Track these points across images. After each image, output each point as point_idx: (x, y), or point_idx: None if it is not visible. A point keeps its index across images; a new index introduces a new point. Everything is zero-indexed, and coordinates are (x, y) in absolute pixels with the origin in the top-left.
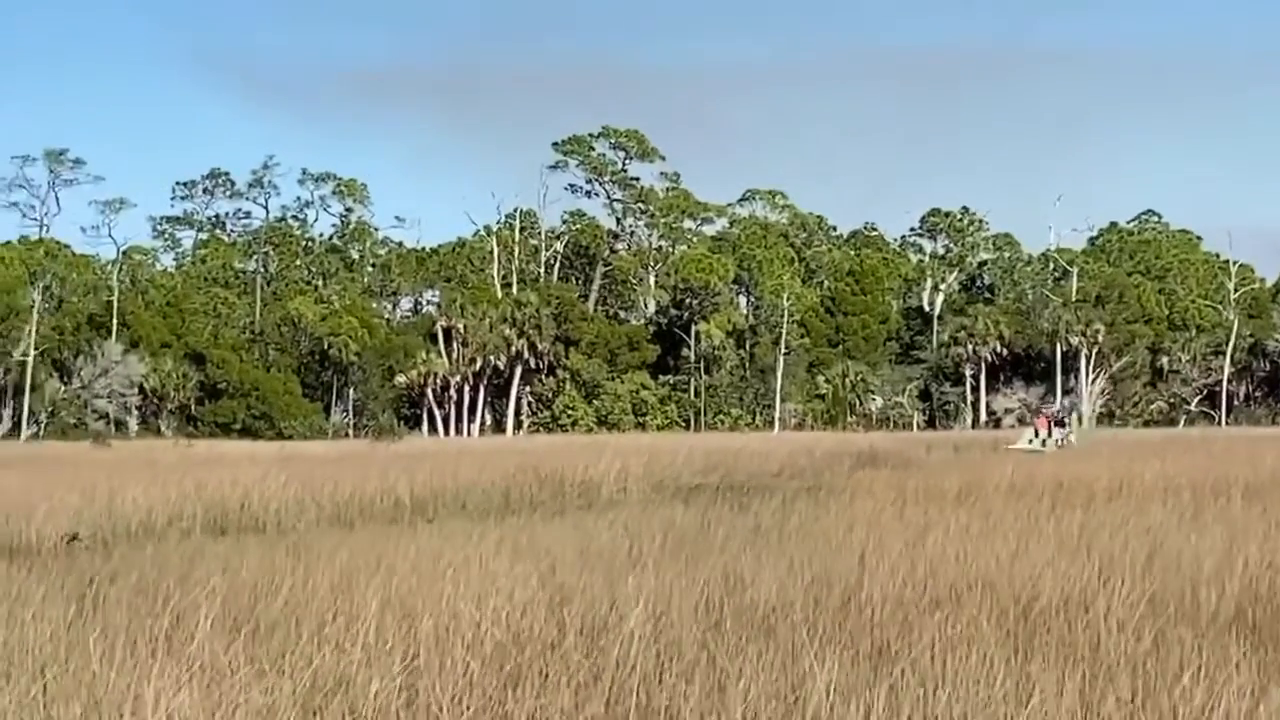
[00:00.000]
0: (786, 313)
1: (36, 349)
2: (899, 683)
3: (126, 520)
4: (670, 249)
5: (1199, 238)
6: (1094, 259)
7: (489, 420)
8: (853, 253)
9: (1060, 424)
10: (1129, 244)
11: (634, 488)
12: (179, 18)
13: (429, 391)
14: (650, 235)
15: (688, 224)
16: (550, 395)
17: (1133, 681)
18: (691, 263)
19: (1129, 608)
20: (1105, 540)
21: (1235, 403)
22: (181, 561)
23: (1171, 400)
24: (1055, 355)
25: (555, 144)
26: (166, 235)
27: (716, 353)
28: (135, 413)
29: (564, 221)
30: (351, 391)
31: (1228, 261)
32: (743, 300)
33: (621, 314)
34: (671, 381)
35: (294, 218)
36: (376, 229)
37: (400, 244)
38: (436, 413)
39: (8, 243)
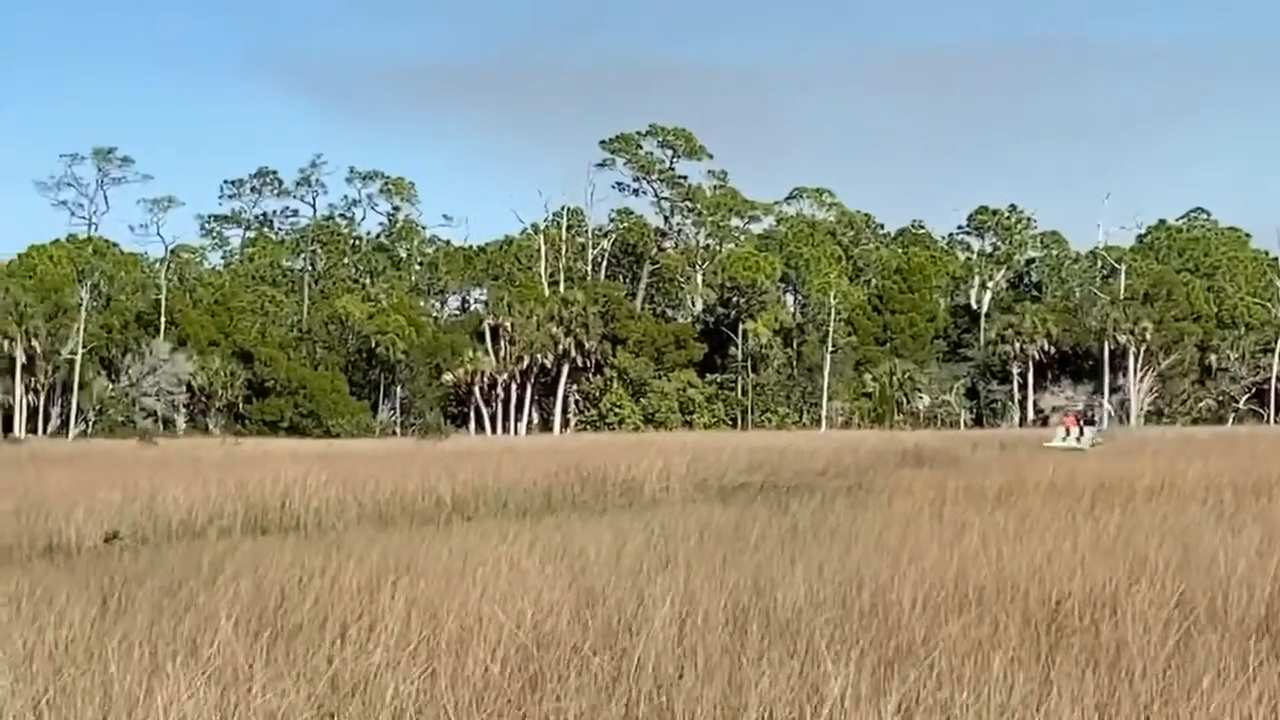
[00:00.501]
0: (833, 311)
1: (85, 347)
2: (917, 685)
3: (167, 519)
4: (717, 247)
5: (1248, 235)
6: (1142, 256)
7: (536, 419)
8: (900, 250)
9: (1090, 422)
10: (1178, 241)
11: (676, 487)
12: (228, 16)
13: (476, 390)
14: (697, 233)
15: (735, 222)
16: (597, 393)
17: (1151, 685)
18: (739, 261)
19: (1156, 610)
20: (1140, 541)
21: None
22: (212, 561)
23: (1220, 398)
24: (1103, 353)
25: (603, 142)
26: (214, 234)
27: (763, 351)
28: (183, 411)
29: (611, 220)
30: (399, 390)
31: (1277, 259)
32: (790, 298)
33: (668, 312)
34: (718, 380)
35: (341, 216)
36: (424, 227)
37: (448, 242)
38: (484, 411)
39: (56, 241)
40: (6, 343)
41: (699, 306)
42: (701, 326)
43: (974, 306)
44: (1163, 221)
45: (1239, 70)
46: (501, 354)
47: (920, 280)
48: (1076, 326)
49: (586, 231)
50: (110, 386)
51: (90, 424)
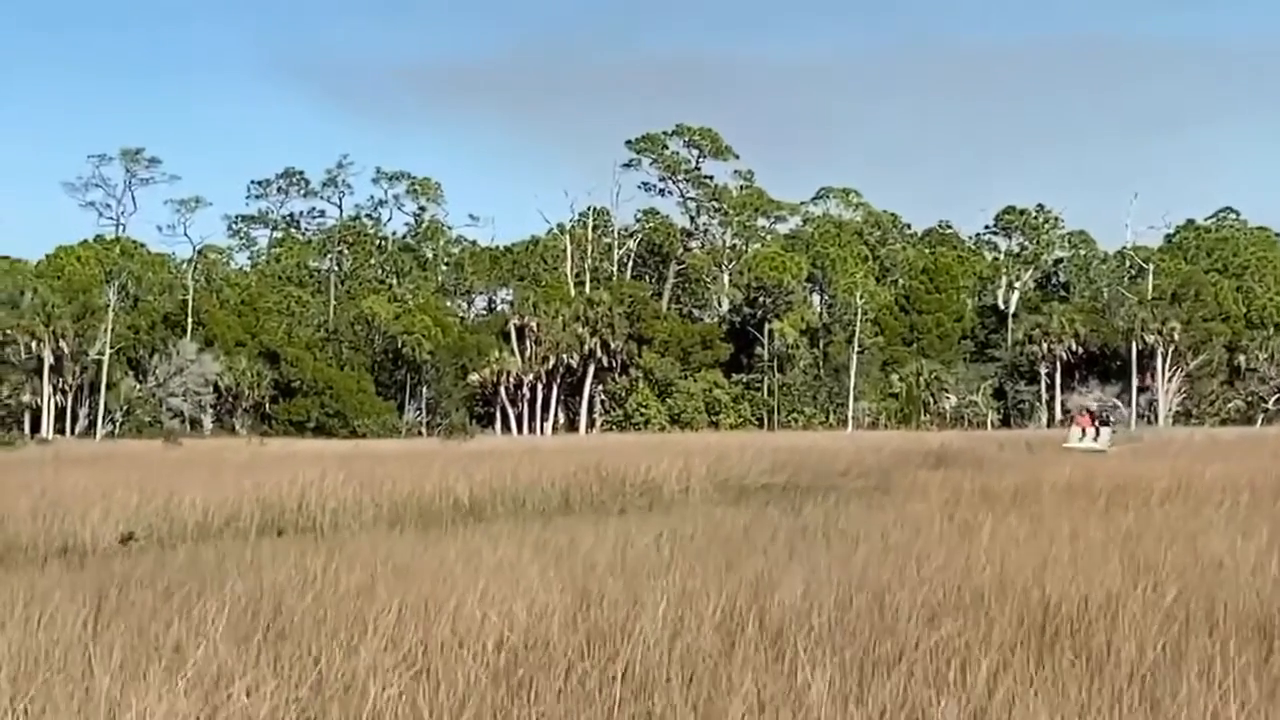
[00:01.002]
0: (860, 311)
1: (112, 348)
2: (899, 689)
3: (183, 521)
4: (743, 247)
5: (1278, 235)
6: (1170, 256)
7: (562, 419)
8: (927, 250)
9: (1105, 422)
10: (1206, 241)
11: (696, 488)
12: (253, 19)
13: (502, 390)
14: (723, 233)
15: (761, 222)
16: (623, 394)
17: (1135, 689)
18: (765, 261)
19: (1152, 614)
20: (1149, 543)
21: None
22: (215, 563)
23: (1249, 399)
24: (1131, 354)
25: (629, 142)
26: (241, 234)
27: (790, 351)
28: (210, 411)
29: (637, 220)
30: (425, 390)
31: None
32: (816, 298)
33: (695, 312)
34: (745, 380)
35: (368, 216)
36: (450, 228)
37: (474, 242)
38: (510, 411)
39: (84, 241)
40: (35, 343)
41: (725, 306)
42: (727, 327)
43: (1001, 307)
44: (1191, 221)
45: (1267, 70)
46: (527, 354)
47: (947, 280)
48: (1104, 327)
49: (612, 231)
50: (137, 387)
51: (118, 424)
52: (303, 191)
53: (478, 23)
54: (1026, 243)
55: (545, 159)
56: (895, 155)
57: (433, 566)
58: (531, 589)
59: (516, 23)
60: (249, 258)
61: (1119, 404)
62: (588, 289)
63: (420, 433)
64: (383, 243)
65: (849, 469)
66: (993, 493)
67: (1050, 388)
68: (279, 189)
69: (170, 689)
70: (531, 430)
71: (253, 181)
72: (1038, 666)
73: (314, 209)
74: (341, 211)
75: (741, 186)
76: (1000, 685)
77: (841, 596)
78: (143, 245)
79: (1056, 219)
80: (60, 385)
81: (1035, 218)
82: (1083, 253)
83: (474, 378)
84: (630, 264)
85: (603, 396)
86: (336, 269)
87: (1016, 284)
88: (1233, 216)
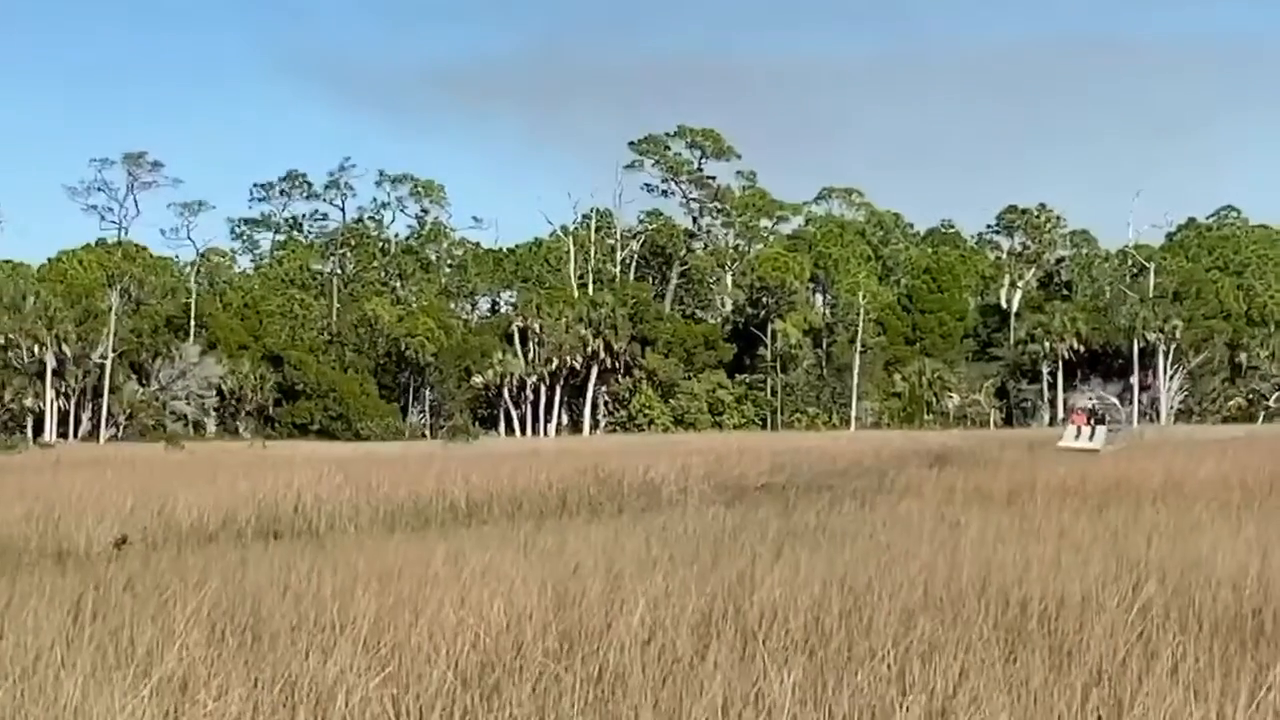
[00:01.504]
0: (863, 311)
1: (115, 351)
2: (863, 688)
3: (178, 524)
4: (746, 248)
5: (1279, 233)
6: (1172, 255)
7: (565, 420)
8: (930, 250)
9: (1100, 420)
10: (1208, 240)
11: (695, 488)
12: (256, 22)
13: (505, 392)
14: (726, 234)
15: (764, 223)
16: (626, 395)
17: (1101, 687)
18: (768, 261)
19: (1126, 611)
20: (1136, 541)
21: None
22: (201, 566)
23: (1250, 396)
24: (1133, 352)
25: (631, 144)
26: (244, 237)
27: (793, 351)
28: (213, 414)
29: (640, 221)
30: (428, 392)
31: None
32: (819, 299)
33: (698, 313)
34: (748, 380)
35: (371, 219)
36: (453, 230)
37: (477, 245)
38: (513, 413)
39: (87, 245)
40: (37, 347)
41: (728, 307)
42: (731, 327)
43: (1004, 306)
44: (1192, 220)
45: (1270, 69)
46: (530, 356)
47: (950, 280)
48: (1106, 325)
49: (615, 233)
50: (140, 390)
51: (121, 428)
52: (305, 194)
53: (480, 26)
54: (1029, 242)
55: (548, 161)
56: (897, 155)
57: (417, 569)
58: (512, 591)
59: (519, 26)
60: (252, 261)
61: (1116, 402)
62: (591, 290)
63: (424, 435)
64: (386, 245)
65: (848, 469)
66: (986, 492)
67: (1052, 386)
68: (282, 192)
69: (135, 694)
70: (535, 432)
71: (255, 184)
72: (1006, 664)
73: (317, 212)
74: (344, 214)
75: (744, 187)
76: (965, 684)
77: (821, 596)
78: (145, 249)
79: (1058, 218)
80: (63, 389)
81: (1037, 217)
82: (1084, 251)
83: (477, 380)
84: (633, 265)
85: (606, 398)
86: (339, 271)
87: (1019, 283)
88: (1234, 215)
